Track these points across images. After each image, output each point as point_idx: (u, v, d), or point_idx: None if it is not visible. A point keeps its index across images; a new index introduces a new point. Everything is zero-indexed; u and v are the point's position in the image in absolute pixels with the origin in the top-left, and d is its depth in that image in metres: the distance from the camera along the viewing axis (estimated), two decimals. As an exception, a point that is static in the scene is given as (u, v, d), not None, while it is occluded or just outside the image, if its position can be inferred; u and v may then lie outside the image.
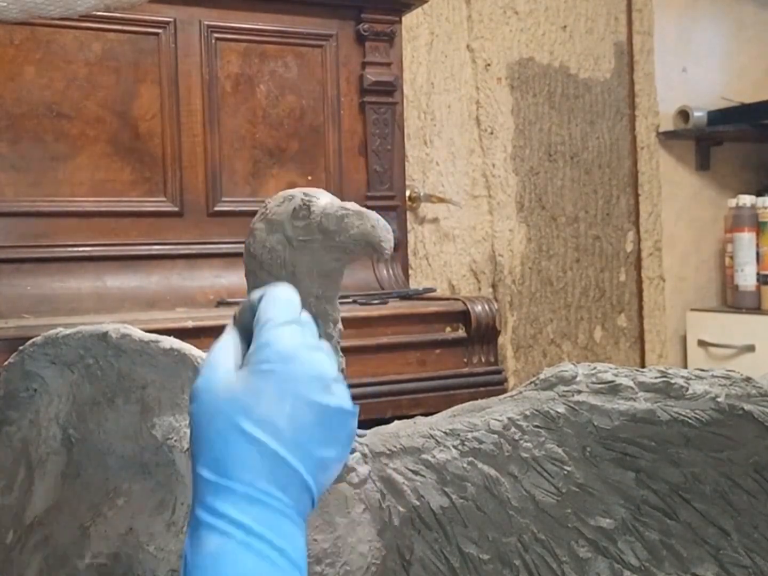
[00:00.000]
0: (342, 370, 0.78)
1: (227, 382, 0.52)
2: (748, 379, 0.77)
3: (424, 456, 0.75)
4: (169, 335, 0.79)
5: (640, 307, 2.80)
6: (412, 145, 2.40)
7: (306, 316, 0.58)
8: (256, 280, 0.77)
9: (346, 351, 0.80)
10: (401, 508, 0.73)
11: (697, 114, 2.80)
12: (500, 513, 0.73)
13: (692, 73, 2.90)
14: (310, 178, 1.91)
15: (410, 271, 2.23)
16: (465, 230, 2.51)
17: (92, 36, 1.72)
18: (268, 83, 1.88)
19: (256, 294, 0.58)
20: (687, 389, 0.75)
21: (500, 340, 2.19)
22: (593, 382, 0.77)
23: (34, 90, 1.68)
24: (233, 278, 1.77)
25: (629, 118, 2.79)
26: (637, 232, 2.80)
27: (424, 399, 1.65)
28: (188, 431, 0.73)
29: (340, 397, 0.54)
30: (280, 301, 0.57)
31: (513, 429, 0.75)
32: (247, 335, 0.57)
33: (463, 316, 1.72)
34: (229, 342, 0.57)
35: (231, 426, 0.51)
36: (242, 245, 0.79)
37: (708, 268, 2.95)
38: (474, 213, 2.53)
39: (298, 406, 0.52)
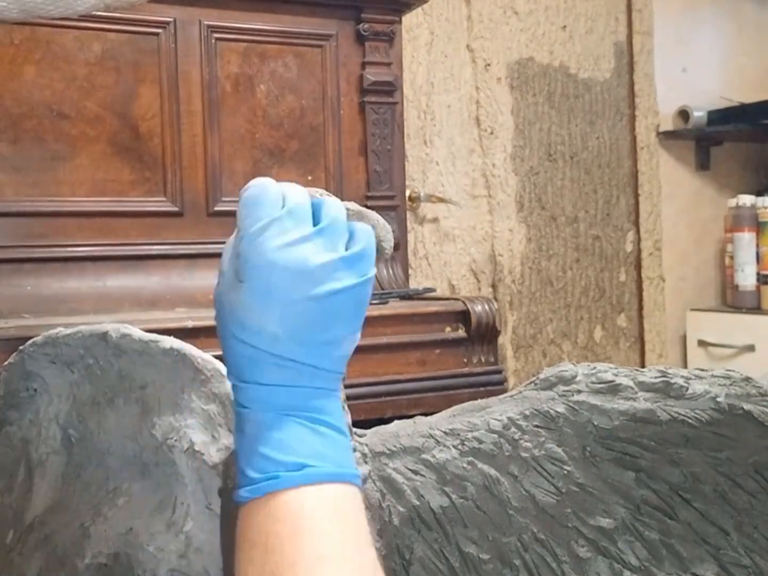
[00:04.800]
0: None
1: (227, 293, 0.56)
2: (747, 379, 0.77)
3: (423, 456, 0.75)
4: (169, 335, 0.79)
5: (640, 307, 2.80)
6: (412, 145, 2.40)
7: (292, 203, 0.57)
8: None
9: (346, 351, 0.79)
10: (401, 508, 0.73)
11: (697, 114, 2.80)
12: (500, 513, 0.73)
13: (692, 73, 2.90)
14: (310, 178, 1.90)
15: (410, 271, 2.24)
16: (465, 230, 2.51)
17: (92, 36, 1.72)
18: (268, 83, 1.88)
19: None
20: (687, 389, 0.75)
21: (500, 339, 2.19)
22: (593, 382, 0.77)
23: (34, 90, 1.68)
24: (233, 278, 1.77)
25: (629, 118, 2.79)
26: (637, 232, 2.80)
27: (423, 399, 1.66)
28: (188, 431, 0.74)
29: (331, 279, 0.55)
30: (250, 204, 0.57)
31: (513, 429, 0.75)
32: None
33: (463, 316, 1.72)
34: (228, 248, 0.59)
35: (234, 338, 0.56)
36: (242, 245, 0.79)
37: (708, 268, 2.95)
38: (474, 213, 2.53)
39: (285, 310, 0.55)
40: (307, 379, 0.56)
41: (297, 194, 0.58)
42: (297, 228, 0.56)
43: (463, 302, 1.73)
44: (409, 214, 2.27)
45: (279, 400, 0.55)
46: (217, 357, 0.78)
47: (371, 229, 0.61)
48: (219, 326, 0.57)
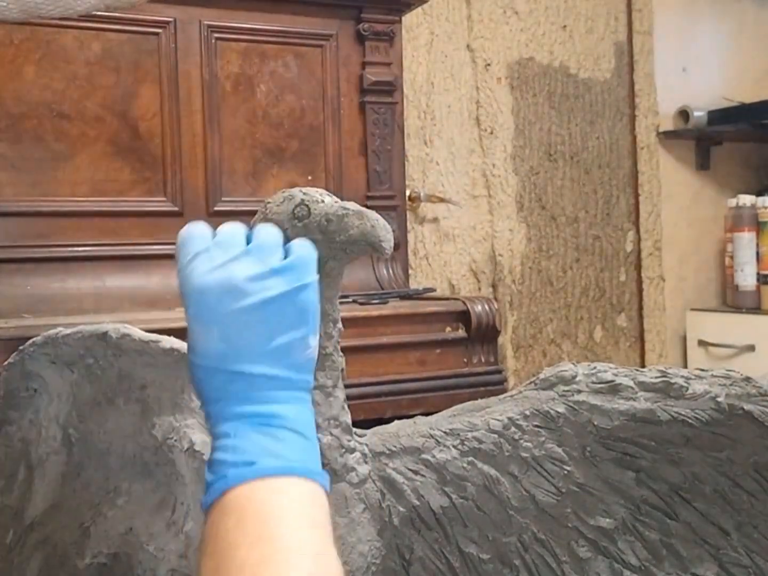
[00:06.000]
0: (342, 370, 0.78)
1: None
2: (747, 379, 0.77)
3: (424, 456, 0.75)
4: (169, 335, 0.79)
5: (640, 307, 2.80)
6: (412, 144, 2.40)
7: (220, 237, 0.61)
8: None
9: (346, 351, 0.80)
10: (401, 508, 0.73)
11: (697, 114, 2.79)
12: (500, 513, 0.73)
13: (692, 72, 2.89)
14: (310, 177, 1.90)
15: (410, 271, 2.23)
16: (465, 230, 2.51)
17: (92, 36, 1.72)
18: (268, 83, 1.88)
19: None
20: (687, 389, 0.75)
21: (500, 339, 2.19)
22: (593, 382, 0.77)
23: (34, 90, 1.68)
24: (233, 278, 1.77)
25: (629, 118, 2.78)
26: (637, 231, 2.79)
27: (424, 399, 1.65)
28: (188, 431, 0.74)
29: (262, 289, 0.58)
30: (182, 244, 0.61)
31: (513, 429, 0.75)
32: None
33: (463, 316, 1.72)
34: None
35: (191, 364, 0.59)
36: (242, 245, 0.79)
37: (708, 268, 2.95)
38: (474, 213, 2.53)
39: (223, 326, 0.57)
40: (261, 389, 0.58)
41: (227, 228, 0.62)
42: (224, 254, 0.59)
43: (463, 302, 1.73)
44: (409, 214, 2.27)
45: (234, 411, 0.57)
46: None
47: (309, 243, 0.63)
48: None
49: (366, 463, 0.75)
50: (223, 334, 0.57)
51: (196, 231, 0.61)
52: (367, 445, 0.76)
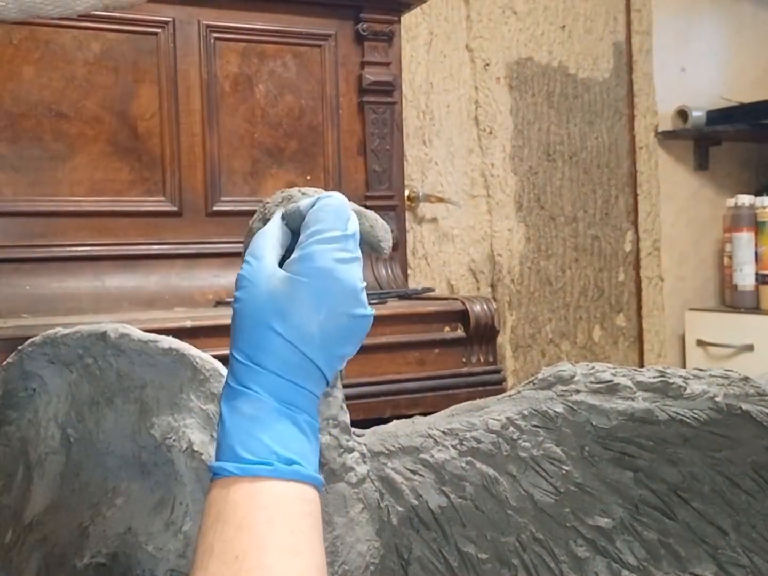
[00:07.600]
0: (340, 370, 0.78)
1: (269, 280, 0.60)
2: (746, 379, 0.77)
3: (422, 455, 0.75)
4: (168, 335, 0.79)
5: (639, 307, 2.80)
6: (411, 144, 2.40)
7: (352, 225, 0.63)
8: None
9: (345, 351, 0.79)
10: (400, 508, 0.73)
11: (695, 114, 2.80)
12: (498, 512, 0.73)
13: (691, 72, 2.90)
14: (308, 177, 1.90)
15: (409, 271, 2.24)
16: (464, 230, 2.51)
17: (91, 36, 1.72)
18: (267, 83, 1.88)
19: (306, 201, 0.65)
20: (685, 389, 0.75)
21: (499, 339, 2.19)
22: (591, 382, 0.77)
23: (32, 90, 1.68)
24: (232, 278, 1.76)
25: (628, 118, 2.79)
26: (636, 231, 2.80)
27: (422, 399, 1.66)
28: (187, 431, 0.74)
29: (364, 304, 0.62)
30: (329, 213, 0.63)
31: (511, 428, 0.75)
32: (291, 233, 0.65)
33: (461, 316, 1.72)
34: (273, 234, 0.65)
35: (268, 326, 0.59)
36: (241, 245, 0.79)
37: (706, 268, 2.95)
38: (473, 213, 2.53)
39: (329, 317, 0.60)
40: (314, 384, 0.60)
41: (355, 220, 0.65)
42: (354, 251, 0.62)
43: (462, 302, 1.74)
44: (408, 214, 2.27)
45: (286, 396, 0.58)
46: (216, 357, 0.78)
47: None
48: (244, 306, 0.60)
49: (365, 462, 0.75)
50: (325, 323, 0.59)
51: (347, 210, 0.63)
52: (365, 444, 0.76)
